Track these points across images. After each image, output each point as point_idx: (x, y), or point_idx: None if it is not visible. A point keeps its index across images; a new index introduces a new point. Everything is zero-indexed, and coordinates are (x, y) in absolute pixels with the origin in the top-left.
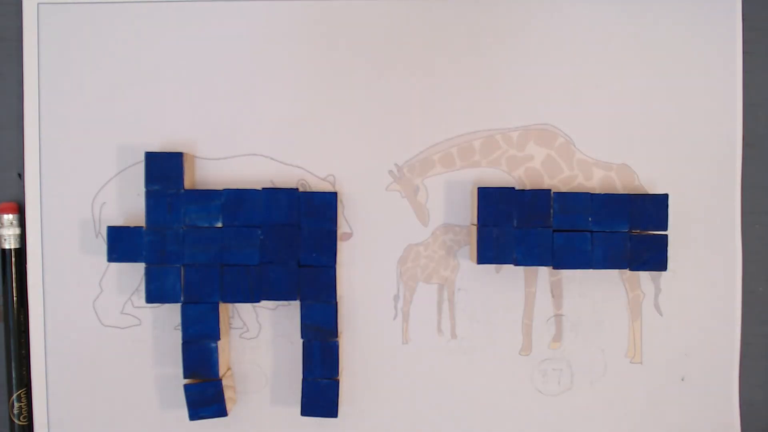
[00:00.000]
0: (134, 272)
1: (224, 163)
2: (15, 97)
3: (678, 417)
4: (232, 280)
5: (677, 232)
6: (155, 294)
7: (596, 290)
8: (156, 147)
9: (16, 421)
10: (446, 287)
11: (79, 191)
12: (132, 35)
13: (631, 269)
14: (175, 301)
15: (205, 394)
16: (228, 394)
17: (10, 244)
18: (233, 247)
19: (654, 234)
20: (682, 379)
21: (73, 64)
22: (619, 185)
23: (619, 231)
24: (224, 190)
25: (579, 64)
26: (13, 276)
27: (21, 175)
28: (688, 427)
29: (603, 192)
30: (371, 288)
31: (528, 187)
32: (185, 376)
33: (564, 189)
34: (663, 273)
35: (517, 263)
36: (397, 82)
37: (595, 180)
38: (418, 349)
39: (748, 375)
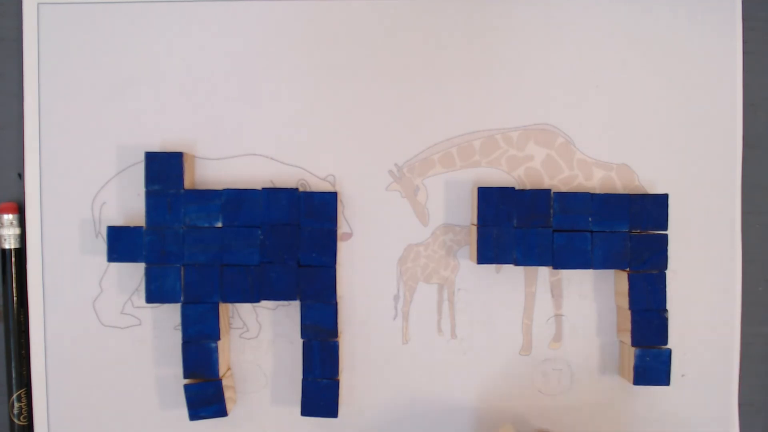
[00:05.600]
0: (134, 272)
1: (224, 163)
2: (15, 97)
3: (677, 417)
4: (232, 280)
5: (677, 232)
6: (155, 294)
7: (596, 290)
8: (156, 147)
9: (16, 421)
10: (446, 287)
11: (79, 191)
12: (132, 35)
13: (631, 269)
14: (175, 301)
15: (205, 394)
16: (228, 394)
17: (10, 244)
18: (233, 247)
19: (654, 234)
20: (682, 375)
21: (73, 64)
22: (619, 185)
23: (619, 231)
24: (224, 190)
25: (579, 64)
26: (13, 276)
27: (21, 175)
28: (687, 428)
29: (603, 192)
30: (371, 288)
31: (528, 187)
32: (185, 376)
33: (564, 189)
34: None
35: (517, 263)
36: (397, 81)
37: (595, 180)
38: (418, 349)
39: (747, 375)
